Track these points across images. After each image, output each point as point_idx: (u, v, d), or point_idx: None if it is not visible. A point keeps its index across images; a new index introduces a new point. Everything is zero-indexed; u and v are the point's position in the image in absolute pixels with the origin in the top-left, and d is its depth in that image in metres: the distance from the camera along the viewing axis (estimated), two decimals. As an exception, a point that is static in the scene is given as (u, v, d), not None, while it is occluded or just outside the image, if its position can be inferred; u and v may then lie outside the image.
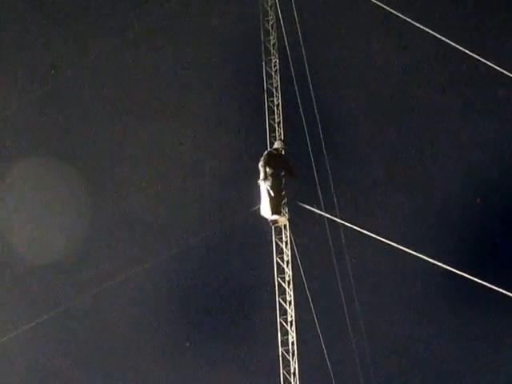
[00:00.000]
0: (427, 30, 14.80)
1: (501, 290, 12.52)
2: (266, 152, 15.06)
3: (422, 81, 18.08)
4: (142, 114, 18.28)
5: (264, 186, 14.84)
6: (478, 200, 17.07)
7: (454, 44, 14.58)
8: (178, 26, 17.88)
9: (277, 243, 15.08)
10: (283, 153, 15.16)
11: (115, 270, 16.30)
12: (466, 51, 14.42)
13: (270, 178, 14.75)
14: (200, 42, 17.99)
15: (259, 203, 14.93)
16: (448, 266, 13.39)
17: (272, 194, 14.77)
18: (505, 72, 14.08)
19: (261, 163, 14.84)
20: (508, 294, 12.48)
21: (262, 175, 14.76)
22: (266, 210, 14.83)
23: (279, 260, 15.01)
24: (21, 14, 18.88)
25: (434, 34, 14.78)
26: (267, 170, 14.76)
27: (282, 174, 14.95)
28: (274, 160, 14.88)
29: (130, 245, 17.60)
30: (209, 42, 17.96)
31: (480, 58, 14.32)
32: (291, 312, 14.72)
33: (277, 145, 15.20)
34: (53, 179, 17.71)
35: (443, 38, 14.71)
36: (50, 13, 18.90)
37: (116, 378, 17.38)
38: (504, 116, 17.55)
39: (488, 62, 14.26)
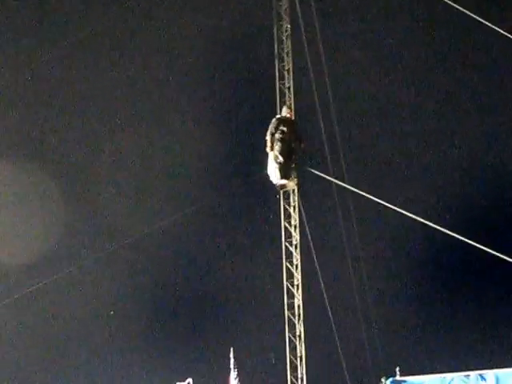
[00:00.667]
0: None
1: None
2: (274, 118, 15.11)
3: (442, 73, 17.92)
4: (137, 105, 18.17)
5: (271, 153, 14.90)
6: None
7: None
8: (189, 18, 17.79)
9: (285, 208, 15.17)
10: (292, 118, 15.21)
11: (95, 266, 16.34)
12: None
13: (279, 142, 14.81)
14: (209, 9, 17.90)
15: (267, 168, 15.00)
16: (454, 232, 13.49)
17: (281, 159, 14.84)
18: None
19: (268, 131, 14.91)
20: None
21: (268, 144, 14.83)
22: (273, 174, 14.90)
23: (287, 224, 15.12)
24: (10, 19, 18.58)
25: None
26: (276, 135, 14.83)
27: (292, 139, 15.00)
28: (282, 125, 14.92)
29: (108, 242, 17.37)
30: (218, 8, 17.87)
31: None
32: (298, 276, 14.85)
33: (284, 111, 15.24)
34: (28, 182, 17.60)
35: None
36: (33, 20, 18.57)
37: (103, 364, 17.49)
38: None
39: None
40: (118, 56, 18.13)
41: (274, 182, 14.95)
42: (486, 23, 14.55)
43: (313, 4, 15.77)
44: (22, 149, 18.03)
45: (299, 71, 15.66)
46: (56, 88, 17.79)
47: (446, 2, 14.94)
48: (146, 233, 15.91)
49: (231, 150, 17.53)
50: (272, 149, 14.75)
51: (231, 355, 15.49)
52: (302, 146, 15.12)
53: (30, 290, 15.88)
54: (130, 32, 17.80)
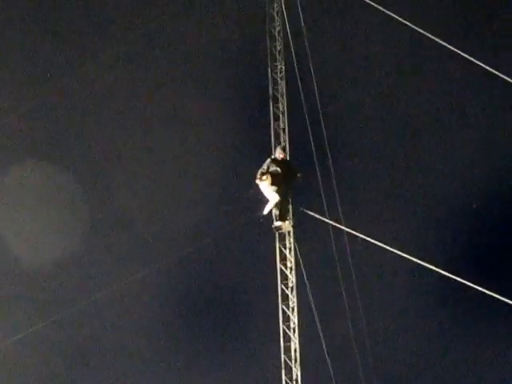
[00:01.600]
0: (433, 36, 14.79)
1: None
2: (268, 159, 15.05)
3: (427, 86, 18.05)
4: (143, 121, 18.28)
5: (267, 188, 14.79)
6: (475, 206, 17.15)
7: (458, 51, 14.59)
8: (183, 31, 17.90)
9: (280, 249, 15.05)
10: (287, 158, 15.17)
11: (113, 275, 16.34)
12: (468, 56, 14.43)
13: (274, 184, 14.73)
14: (205, 48, 18.00)
15: (262, 209, 14.91)
16: (451, 273, 13.39)
17: (276, 200, 14.76)
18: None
19: (260, 170, 14.82)
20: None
21: (258, 176, 14.73)
22: (268, 208, 14.82)
23: (282, 266, 14.99)
24: (17, 20, 18.88)
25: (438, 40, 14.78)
26: (269, 172, 14.74)
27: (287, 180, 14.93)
28: (277, 165, 14.85)
29: (128, 251, 17.56)
30: (214, 48, 17.96)
31: (482, 65, 14.32)
32: (294, 319, 14.69)
33: (277, 152, 15.15)
34: (50, 184, 17.70)
35: (445, 44, 14.70)
36: (46, 19, 18.87)
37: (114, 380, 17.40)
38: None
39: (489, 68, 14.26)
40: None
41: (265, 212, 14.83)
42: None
43: (307, 45, 15.86)
44: (43, 151, 18.13)
45: (294, 112, 15.69)
46: (75, 90, 17.86)
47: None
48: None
49: (227, 190, 17.48)
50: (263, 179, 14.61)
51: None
52: (299, 175, 15.02)
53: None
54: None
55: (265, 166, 14.77)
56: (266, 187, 14.72)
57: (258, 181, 14.68)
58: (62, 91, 17.61)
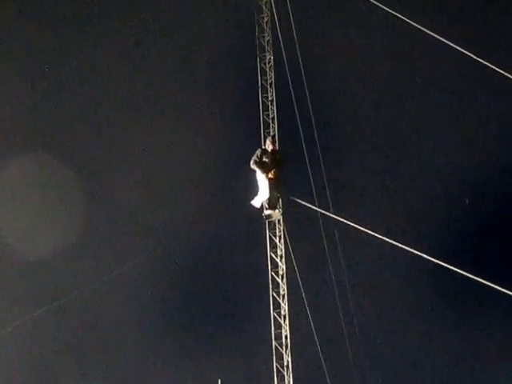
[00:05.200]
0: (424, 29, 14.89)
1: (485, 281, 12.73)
2: (259, 149, 15.16)
3: (416, 79, 18.20)
4: (136, 115, 18.37)
5: (261, 180, 14.93)
6: (467, 200, 17.31)
7: (449, 43, 14.70)
8: (172, 23, 17.98)
9: (270, 238, 15.20)
10: (277, 148, 15.28)
11: (110, 266, 16.47)
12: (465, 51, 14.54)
13: (264, 173, 14.86)
14: (194, 40, 18.07)
15: (252, 199, 15.04)
16: (438, 260, 13.54)
17: (266, 190, 14.89)
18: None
19: (253, 160, 14.93)
20: (495, 286, 12.67)
21: (257, 170, 14.86)
22: (258, 202, 14.95)
23: (273, 254, 15.14)
24: (16, 13, 18.93)
25: (429, 32, 14.88)
26: (262, 161, 14.87)
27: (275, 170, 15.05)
28: (267, 156, 14.97)
29: (124, 241, 17.69)
30: (203, 38, 18.05)
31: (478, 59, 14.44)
32: (284, 306, 14.85)
33: (267, 143, 15.28)
34: (48, 177, 17.80)
35: (436, 36, 14.81)
36: (44, 13, 18.93)
37: (108, 372, 17.51)
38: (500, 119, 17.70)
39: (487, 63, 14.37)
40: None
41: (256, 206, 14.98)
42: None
43: (295, 36, 15.98)
44: (43, 146, 18.21)
45: (283, 101, 15.82)
46: (70, 83, 17.94)
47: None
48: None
49: (218, 181, 17.60)
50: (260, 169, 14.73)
51: (219, 386, 15.45)
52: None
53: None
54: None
55: (256, 157, 14.87)
56: (261, 176, 14.84)
57: (253, 166, 14.77)
58: (57, 84, 17.69)
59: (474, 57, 14.31)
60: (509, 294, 12.26)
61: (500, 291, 12.56)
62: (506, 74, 13.91)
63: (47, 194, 17.84)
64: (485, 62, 14.17)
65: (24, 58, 18.72)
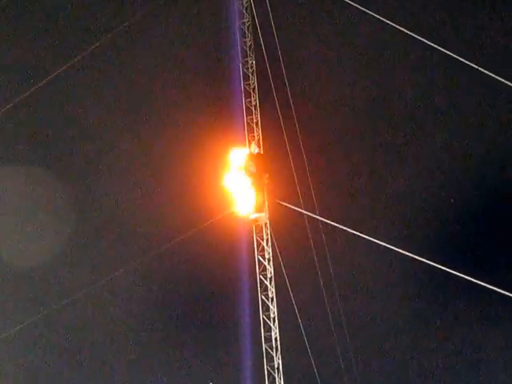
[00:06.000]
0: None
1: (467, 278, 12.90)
2: (245, 154, 15.31)
3: (403, 71, 18.23)
4: (124, 121, 18.39)
5: (243, 186, 15.09)
6: (452, 200, 17.51)
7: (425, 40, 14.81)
8: (156, 28, 18.01)
9: (258, 241, 15.32)
10: (261, 152, 15.43)
11: (101, 272, 16.54)
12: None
13: (250, 177, 15.02)
14: (177, 45, 18.13)
15: (238, 203, 15.17)
16: (424, 258, 13.69)
17: (253, 194, 15.04)
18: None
19: (241, 165, 15.10)
20: (476, 281, 12.85)
21: (242, 175, 15.01)
22: (245, 208, 15.09)
23: (260, 258, 15.26)
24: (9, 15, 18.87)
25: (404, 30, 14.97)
26: (248, 169, 15.03)
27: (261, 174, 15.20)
28: (252, 160, 15.12)
29: (115, 248, 17.75)
30: (186, 44, 18.09)
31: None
32: (273, 308, 14.97)
33: (253, 147, 15.44)
34: (37, 185, 17.82)
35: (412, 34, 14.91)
36: (38, 14, 18.88)
37: (101, 377, 17.58)
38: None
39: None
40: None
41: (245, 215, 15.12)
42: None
43: (276, 39, 16.07)
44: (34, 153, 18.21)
45: (266, 105, 15.91)
46: (58, 92, 17.88)
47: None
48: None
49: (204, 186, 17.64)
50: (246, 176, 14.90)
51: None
52: (266, 176, 15.32)
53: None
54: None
55: (243, 162, 15.04)
56: (246, 181, 15.02)
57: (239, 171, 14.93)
58: (46, 93, 17.67)
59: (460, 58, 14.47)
60: (499, 292, 12.46)
61: (486, 287, 12.77)
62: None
63: (35, 206, 17.86)
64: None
65: (15, 60, 18.65)
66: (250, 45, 16.25)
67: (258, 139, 15.68)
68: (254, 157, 15.21)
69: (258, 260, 15.25)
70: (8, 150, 18.33)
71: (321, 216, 15.41)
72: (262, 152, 15.49)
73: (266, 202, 15.32)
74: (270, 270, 15.14)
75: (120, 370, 17.72)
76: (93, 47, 16.55)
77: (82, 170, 18.38)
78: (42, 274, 17.64)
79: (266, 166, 15.38)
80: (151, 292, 17.78)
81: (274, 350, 14.80)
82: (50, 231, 17.75)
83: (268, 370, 14.76)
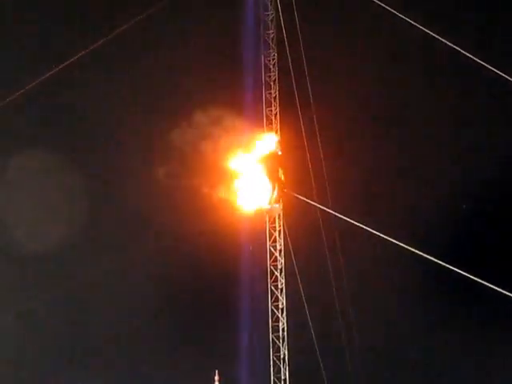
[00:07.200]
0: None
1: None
2: (264, 151, 15.53)
3: (415, 72, 18.24)
4: (141, 115, 18.44)
5: (259, 179, 15.28)
6: (464, 206, 17.58)
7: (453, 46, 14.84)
8: (178, 18, 18.07)
9: (270, 232, 15.45)
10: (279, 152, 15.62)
11: (112, 261, 16.68)
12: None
13: (265, 170, 15.22)
14: (200, 37, 18.17)
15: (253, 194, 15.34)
16: (433, 257, 13.77)
17: (268, 186, 15.22)
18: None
19: (257, 160, 15.31)
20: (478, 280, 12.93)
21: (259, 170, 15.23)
22: (260, 200, 15.25)
23: (272, 248, 15.39)
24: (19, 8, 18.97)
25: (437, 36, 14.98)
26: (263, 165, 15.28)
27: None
28: (270, 156, 15.33)
29: (128, 237, 17.81)
30: (209, 36, 18.13)
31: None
32: (282, 299, 15.10)
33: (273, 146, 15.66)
34: (51, 173, 17.93)
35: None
36: (48, 10, 18.94)
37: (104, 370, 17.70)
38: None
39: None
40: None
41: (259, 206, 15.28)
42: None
43: (299, 34, 16.17)
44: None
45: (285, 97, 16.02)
46: (74, 76, 17.97)
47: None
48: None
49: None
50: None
51: (216, 378, 15.65)
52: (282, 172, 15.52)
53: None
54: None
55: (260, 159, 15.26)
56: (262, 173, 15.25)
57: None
58: (60, 78, 17.78)
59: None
60: (499, 291, 12.52)
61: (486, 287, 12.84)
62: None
63: (49, 191, 17.97)
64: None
65: (25, 56, 18.72)
66: (273, 37, 16.37)
67: (278, 140, 15.81)
68: (271, 154, 15.41)
69: (270, 250, 15.40)
70: (22, 135, 18.42)
71: (334, 210, 15.50)
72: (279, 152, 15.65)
73: (278, 194, 15.43)
74: (281, 260, 15.28)
75: (129, 348, 17.80)
76: (116, 31, 16.69)
77: (100, 158, 18.47)
78: (53, 259, 17.71)
79: (282, 160, 15.54)
80: (162, 279, 17.85)
81: (281, 341, 14.94)
82: (63, 218, 17.86)
83: (274, 360, 14.89)
